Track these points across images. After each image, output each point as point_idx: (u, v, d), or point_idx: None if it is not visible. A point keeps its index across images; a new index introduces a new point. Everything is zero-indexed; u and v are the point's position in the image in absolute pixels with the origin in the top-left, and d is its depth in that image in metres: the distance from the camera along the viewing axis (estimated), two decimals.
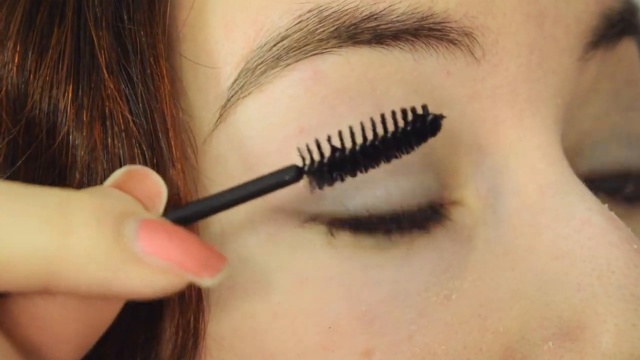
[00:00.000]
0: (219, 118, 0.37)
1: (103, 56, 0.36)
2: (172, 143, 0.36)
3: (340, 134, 0.35)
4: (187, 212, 0.35)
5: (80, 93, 0.36)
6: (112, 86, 0.36)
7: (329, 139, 0.35)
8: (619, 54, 0.42)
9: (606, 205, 0.37)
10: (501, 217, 0.38)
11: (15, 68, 0.37)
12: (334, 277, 0.37)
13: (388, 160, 0.35)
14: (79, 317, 0.32)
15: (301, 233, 0.37)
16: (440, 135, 0.37)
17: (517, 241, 0.37)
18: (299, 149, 0.35)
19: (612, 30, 0.40)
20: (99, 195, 0.32)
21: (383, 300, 0.36)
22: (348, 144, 0.35)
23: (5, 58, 0.37)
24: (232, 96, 0.37)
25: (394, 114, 0.35)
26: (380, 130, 0.35)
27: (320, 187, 0.35)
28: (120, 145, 0.36)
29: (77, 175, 0.36)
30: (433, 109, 0.37)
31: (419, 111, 0.35)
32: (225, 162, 0.37)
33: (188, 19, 0.37)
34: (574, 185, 0.37)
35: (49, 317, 0.31)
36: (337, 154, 0.35)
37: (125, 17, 0.37)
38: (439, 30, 0.36)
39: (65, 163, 0.36)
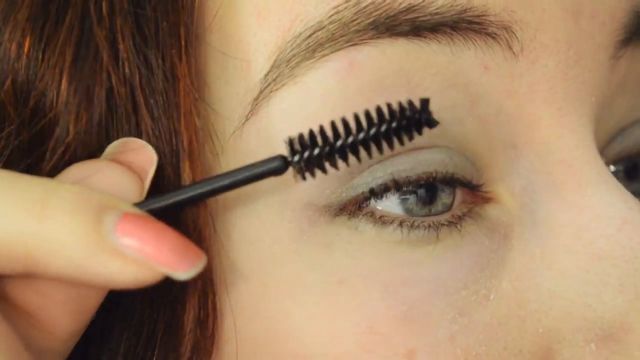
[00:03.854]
0: (250, 112, 0.36)
1: (110, 44, 0.35)
2: (191, 135, 0.35)
3: (332, 123, 0.34)
4: (170, 199, 0.34)
5: (83, 81, 0.35)
6: (118, 74, 0.35)
7: (320, 130, 0.34)
8: None
9: None
10: (538, 216, 0.37)
11: (22, 58, 0.36)
12: (371, 276, 0.36)
13: (379, 151, 0.34)
14: (66, 299, 0.33)
15: (334, 229, 0.36)
16: (476, 130, 0.37)
17: (555, 241, 0.36)
18: (287, 139, 0.34)
19: None
20: (83, 187, 0.32)
21: (422, 299, 0.35)
22: (339, 135, 0.34)
23: (12, 48, 0.36)
24: (265, 88, 0.36)
25: (389, 106, 0.34)
26: (371, 122, 0.34)
27: (304, 178, 0.35)
28: (135, 135, 0.35)
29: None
30: (469, 103, 0.36)
31: (417, 105, 0.34)
32: (257, 156, 0.36)
33: (219, 9, 0.36)
34: (613, 185, 0.37)
35: (39, 291, 0.33)
36: (324, 146, 0.34)
37: (147, 4, 0.35)
38: (478, 23, 0.36)
39: (72, 154, 0.35)
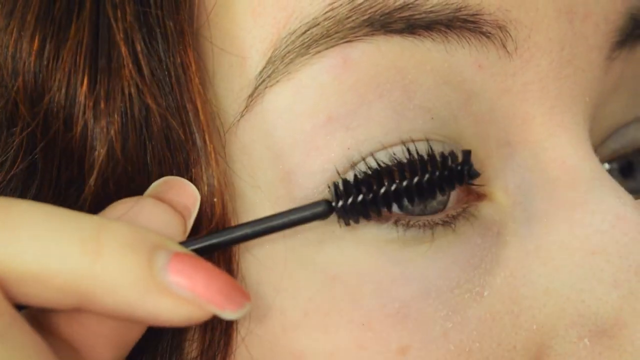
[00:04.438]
0: (245, 108, 0.36)
1: (124, 43, 0.35)
2: (203, 131, 0.35)
3: (377, 171, 0.35)
4: (213, 240, 0.35)
5: (97, 83, 0.35)
6: (134, 74, 0.35)
7: (363, 175, 0.35)
8: None
9: (639, 200, 0.37)
10: (532, 213, 0.37)
11: (33, 59, 0.36)
12: (363, 273, 0.36)
13: (420, 201, 0.35)
14: (110, 333, 0.33)
15: (328, 226, 0.36)
16: (470, 127, 0.37)
17: (549, 237, 0.37)
18: (332, 184, 0.35)
19: (637, 31, 0.40)
20: (134, 225, 0.33)
21: (415, 297, 0.35)
22: (382, 183, 0.35)
23: (22, 49, 0.36)
24: (260, 85, 0.36)
25: (432, 156, 0.35)
26: (414, 172, 0.35)
27: (347, 224, 0.35)
28: (144, 133, 0.35)
29: (97, 164, 0.35)
30: (463, 100, 0.37)
31: (459, 158, 0.35)
32: (252, 153, 0.36)
33: (215, 5, 0.36)
34: (607, 181, 0.37)
35: (84, 326, 0.33)
36: (369, 194, 0.35)
37: (152, 2, 0.36)
38: (472, 22, 0.36)
39: (84, 153, 0.35)
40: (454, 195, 0.37)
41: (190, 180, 0.35)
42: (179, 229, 0.35)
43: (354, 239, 0.36)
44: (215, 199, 0.35)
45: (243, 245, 0.36)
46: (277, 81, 0.36)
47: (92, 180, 0.35)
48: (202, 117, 0.35)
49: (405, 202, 0.35)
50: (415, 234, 0.36)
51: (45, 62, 0.36)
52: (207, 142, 0.35)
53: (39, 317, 0.33)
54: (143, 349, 0.36)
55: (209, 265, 0.33)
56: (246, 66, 0.36)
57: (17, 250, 0.30)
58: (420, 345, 0.35)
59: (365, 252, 0.36)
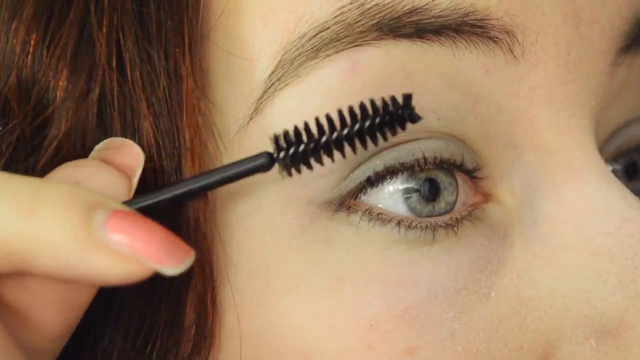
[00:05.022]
0: (254, 111, 0.36)
1: (111, 42, 0.36)
2: (193, 133, 0.36)
3: (317, 120, 0.35)
4: (156, 197, 0.35)
5: (91, 81, 0.36)
6: (119, 73, 0.36)
7: (305, 127, 0.35)
8: None
9: None
10: (538, 215, 0.37)
11: (27, 55, 0.36)
12: (370, 274, 0.36)
13: (363, 146, 0.35)
14: (57, 296, 0.33)
15: (334, 226, 0.37)
16: (477, 129, 0.37)
17: (555, 239, 0.37)
18: (272, 135, 0.35)
19: None
20: (73, 185, 0.33)
21: (422, 299, 0.36)
22: (323, 131, 0.35)
23: (17, 44, 0.36)
24: (269, 88, 0.36)
25: (372, 102, 0.35)
26: (354, 119, 0.35)
27: (289, 174, 0.35)
28: (134, 133, 0.36)
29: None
30: (470, 103, 0.37)
31: (400, 100, 0.35)
32: None
33: (225, 8, 0.37)
34: (612, 183, 0.37)
35: (29, 290, 0.33)
36: (309, 142, 0.35)
37: (152, 3, 0.36)
38: (480, 27, 0.36)
39: (72, 151, 0.36)
40: (461, 196, 0.38)
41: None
42: (124, 189, 0.35)
43: (361, 239, 0.36)
44: (202, 203, 0.36)
45: (243, 244, 0.37)
46: (286, 84, 0.36)
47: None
48: (190, 118, 0.36)
49: (348, 148, 0.35)
50: (417, 235, 0.36)
51: (38, 59, 0.36)
52: (194, 143, 0.36)
53: None
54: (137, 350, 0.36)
55: (148, 221, 0.32)
56: (256, 69, 0.36)
57: None
58: (427, 346, 0.35)
59: (372, 253, 0.36)
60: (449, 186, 0.37)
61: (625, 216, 0.36)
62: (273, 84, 0.36)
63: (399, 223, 0.36)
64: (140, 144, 0.36)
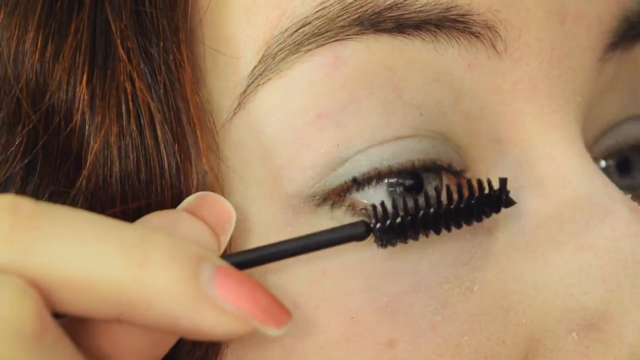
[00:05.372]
0: (238, 105, 0.37)
1: (120, 41, 0.36)
2: (197, 129, 0.36)
3: (415, 198, 0.35)
4: (252, 256, 0.35)
5: (94, 80, 0.36)
6: (130, 71, 0.36)
7: (404, 200, 0.35)
8: (636, 55, 0.42)
9: (629, 195, 0.37)
10: (522, 210, 0.37)
11: (35, 58, 0.36)
12: (352, 268, 0.36)
13: (456, 227, 0.36)
14: (142, 348, 0.33)
15: (317, 220, 0.37)
16: (461, 124, 0.37)
17: (539, 233, 0.37)
18: (369, 206, 0.36)
19: (631, 32, 0.41)
20: (177, 237, 0.33)
21: (404, 292, 0.36)
22: (420, 207, 0.35)
23: (25, 48, 0.37)
24: (252, 83, 0.36)
25: (469, 182, 0.35)
26: (451, 196, 0.35)
27: (384, 246, 0.35)
28: (138, 130, 0.36)
29: (92, 160, 0.36)
30: (453, 99, 0.37)
31: (495, 186, 0.36)
32: (244, 149, 0.37)
33: (209, 4, 0.37)
34: (597, 177, 0.37)
35: (118, 339, 0.33)
36: (407, 217, 0.35)
37: (147, 1, 0.36)
38: (462, 22, 0.36)
39: (81, 149, 0.36)
40: (446, 162, 0.38)
41: (180, 175, 0.36)
42: (214, 245, 0.35)
43: None
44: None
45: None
46: (269, 79, 0.36)
47: (85, 174, 0.35)
48: (193, 113, 0.36)
49: (442, 228, 0.35)
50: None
51: (46, 60, 0.36)
52: (198, 138, 0.36)
53: (72, 328, 0.33)
54: None
55: (253, 280, 0.33)
56: (239, 64, 0.37)
57: (60, 256, 0.30)
58: (408, 338, 0.35)
59: (355, 247, 0.36)
60: (433, 180, 0.37)
61: (609, 210, 0.36)
62: (256, 78, 0.36)
63: None
64: (144, 140, 0.36)
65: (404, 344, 0.35)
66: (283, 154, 0.36)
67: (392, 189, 0.37)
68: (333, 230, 0.35)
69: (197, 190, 0.36)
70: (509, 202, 0.36)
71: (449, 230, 0.35)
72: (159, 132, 0.36)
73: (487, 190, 0.36)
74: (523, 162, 0.38)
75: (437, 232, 0.35)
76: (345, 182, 0.36)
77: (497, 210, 0.36)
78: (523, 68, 0.38)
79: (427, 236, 0.35)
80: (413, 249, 0.36)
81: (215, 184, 0.37)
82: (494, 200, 0.36)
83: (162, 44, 0.36)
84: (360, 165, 0.36)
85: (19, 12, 0.37)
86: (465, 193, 0.35)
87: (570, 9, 0.39)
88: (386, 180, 0.37)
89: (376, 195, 0.37)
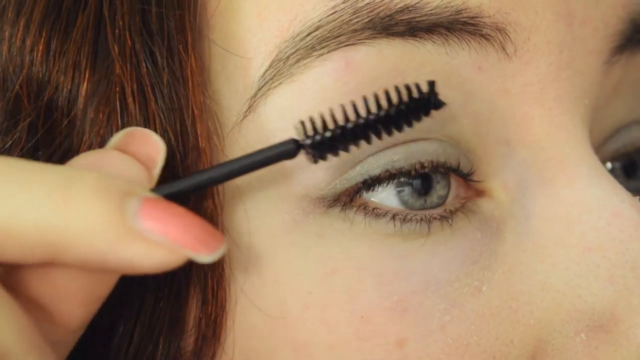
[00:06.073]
0: (248, 108, 0.37)
1: (123, 39, 0.36)
2: (199, 130, 0.36)
3: (343, 108, 0.35)
4: (184, 184, 0.35)
5: (97, 77, 0.36)
6: (132, 70, 0.36)
7: (331, 114, 0.35)
8: None
9: (637, 197, 0.38)
10: (530, 211, 0.38)
11: (38, 53, 0.37)
12: (363, 267, 0.36)
13: (387, 133, 0.35)
14: (80, 289, 0.33)
15: (327, 221, 0.37)
16: (470, 126, 0.38)
17: (547, 234, 0.37)
18: (299, 123, 0.35)
19: (637, 36, 0.41)
20: (102, 174, 0.32)
21: (414, 291, 0.36)
22: (349, 118, 0.35)
23: (29, 43, 0.37)
24: (263, 86, 0.37)
25: (397, 89, 0.35)
26: (381, 105, 0.35)
27: (315, 161, 0.35)
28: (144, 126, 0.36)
29: None
30: (463, 101, 0.37)
31: (424, 89, 0.35)
32: None
33: (219, 6, 0.37)
34: (605, 178, 0.38)
35: (53, 282, 0.33)
36: (335, 129, 0.35)
37: (153, 1, 0.37)
38: (472, 24, 0.37)
39: (81, 146, 0.36)
40: (453, 190, 0.38)
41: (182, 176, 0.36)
42: (145, 179, 0.35)
43: (355, 233, 0.37)
44: (208, 199, 0.36)
45: (239, 238, 0.37)
46: (280, 83, 0.37)
47: None
48: (197, 115, 0.36)
49: (372, 135, 0.35)
50: (412, 228, 0.37)
51: (50, 57, 0.37)
52: (200, 140, 0.36)
53: (6, 276, 0.32)
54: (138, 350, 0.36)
55: (181, 209, 0.32)
56: (250, 68, 0.37)
57: None
58: (418, 337, 0.36)
59: (366, 245, 0.37)
60: (442, 180, 0.38)
61: (617, 211, 0.37)
62: (267, 82, 0.37)
63: (394, 217, 0.37)
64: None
65: (414, 344, 0.36)
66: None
67: (401, 188, 0.37)
68: (262, 150, 0.35)
69: (200, 195, 0.36)
70: (438, 104, 0.35)
71: (379, 137, 0.35)
72: (159, 132, 0.36)
73: (415, 95, 0.35)
74: (531, 164, 0.38)
75: (368, 141, 0.35)
76: (357, 184, 0.37)
77: (427, 113, 0.35)
78: (532, 70, 0.38)
79: (357, 147, 0.35)
80: (424, 248, 0.37)
81: (222, 186, 0.37)
82: (424, 103, 0.35)
83: (166, 43, 0.36)
84: (372, 168, 0.37)
85: (25, 8, 0.37)
86: (395, 100, 0.35)
87: (578, 12, 0.39)
88: (395, 180, 0.37)
89: (387, 195, 0.37)
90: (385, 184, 0.37)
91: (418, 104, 0.35)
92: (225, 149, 0.37)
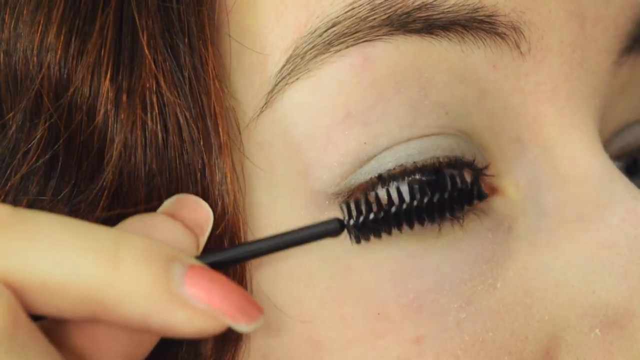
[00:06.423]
0: (265, 104, 0.37)
1: (145, 38, 0.36)
2: (220, 125, 0.36)
3: (387, 192, 0.36)
4: (228, 255, 0.35)
5: (120, 77, 0.36)
6: (155, 68, 0.36)
7: (376, 196, 0.36)
8: None
9: None
10: (543, 208, 0.38)
11: (58, 53, 0.37)
12: (377, 265, 0.37)
13: (430, 221, 0.36)
14: (122, 347, 0.34)
15: (342, 215, 0.37)
16: (483, 123, 0.38)
17: (560, 231, 0.38)
18: (343, 204, 0.36)
19: None
20: (150, 238, 0.33)
21: (429, 289, 0.36)
22: (392, 201, 0.36)
23: (48, 43, 0.37)
24: (280, 82, 0.37)
25: (439, 176, 0.36)
26: (424, 192, 0.36)
27: (358, 242, 0.36)
28: (163, 128, 0.36)
29: (115, 157, 0.36)
30: (477, 98, 0.38)
31: (468, 179, 0.36)
32: (270, 148, 0.37)
33: (236, 2, 0.37)
34: (617, 176, 0.38)
35: (97, 339, 0.34)
36: (380, 213, 0.36)
37: None
38: (488, 23, 0.37)
39: (104, 144, 0.36)
40: (468, 160, 0.38)
41: (205, 173, 0.36)
42: (192, 245, 0.35)
43: None
44: (227, 194, 0.36)
45: (253, 235, 0.37)
46: (297, 78, 0.37)
47: (109, 170, 0.36)
48: (217, 111, 0.36)
49: (415, 222, 0.36)
50: (423, 228, 0.37)
51: (70, 56, 0.36)
52: (221, 135, 0.36)
53: (52, 329, 0.33)
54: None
55: (223, 278, 0.33)
56: (267, 63, 0.37)
57: (36, 260, 0.31)
58: (434, 334, 0.36)
59: (380, 244, 0.37)
60: (454, 174, 0.38)
61: (630, 208, 0.37)
62: (284, 77, 0.37)
63: None
64: (169, 138, 0.36)
65: (430, 341, 0.36)
66: (310, 152, 0.37)
67: (415, 184, 0.38)
68: (307, 227, 0.36)
69: (220, 188, 0.36)
70: (481, 196, 0.37)
71: (422, 224, 0.36)
72: (184, 130, 0.36)
73: (459, 185, 0.36)
74: (543, 162, 0.38)
75: (411, 227, 0.36)
76: (371, 179, 0.37)
77: (470, 203, 0.37)
78: (545, 69, 0.38)
79: (400, 231, 0.36)
80: (436, 248, 0.37)
81: (234, 183, 0.37)
82: (466, 194, 0.36)
83: (187, 40, 0.36)
84: (386, 162, 0.37)
85: (43, 7, 0.37)
86: (438, 188, 0.36)
87: (589, 12, 0.39)
88: (410, 177, 0.37)
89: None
90: (400, 179, 0.37)
91: (461, 194, 0.36)
92: (241, 145, 0.37)
